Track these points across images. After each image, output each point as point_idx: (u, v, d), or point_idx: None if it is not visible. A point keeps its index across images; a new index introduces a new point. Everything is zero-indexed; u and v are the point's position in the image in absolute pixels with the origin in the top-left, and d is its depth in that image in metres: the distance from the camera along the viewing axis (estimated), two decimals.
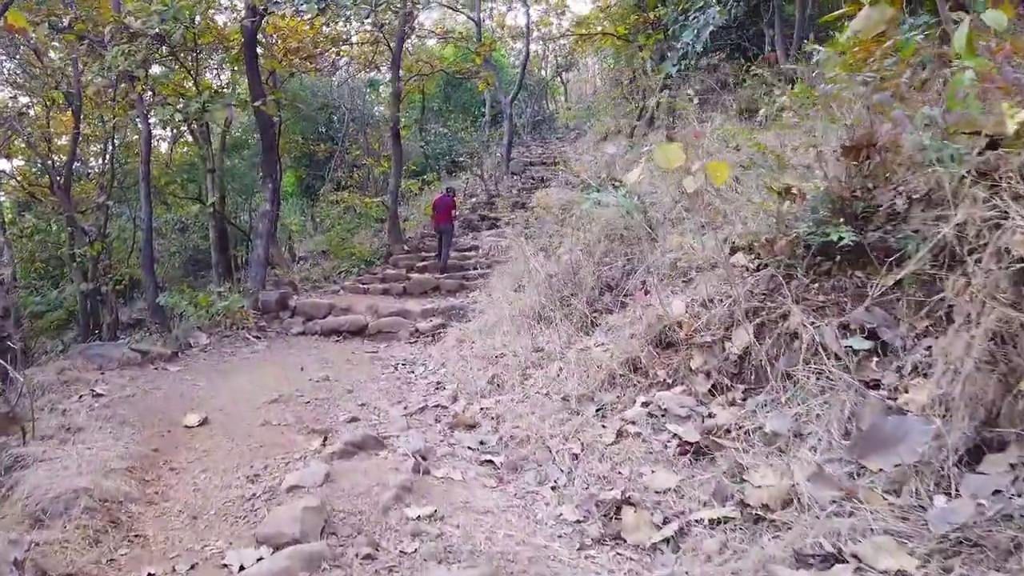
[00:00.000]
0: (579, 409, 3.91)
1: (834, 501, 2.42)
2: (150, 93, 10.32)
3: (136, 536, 2.84)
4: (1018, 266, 2.47)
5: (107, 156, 13.40)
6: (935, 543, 2.13)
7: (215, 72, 14.80)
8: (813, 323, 3.28)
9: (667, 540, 2.59)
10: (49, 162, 12.64)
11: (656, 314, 4.15)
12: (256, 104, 9.11)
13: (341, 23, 12.85)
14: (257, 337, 7.94)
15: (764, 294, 3.71)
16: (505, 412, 4.25)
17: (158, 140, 15.75)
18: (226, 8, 11.99)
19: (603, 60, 22.45)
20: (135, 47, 8.23)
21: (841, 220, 3.42)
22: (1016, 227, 2.50)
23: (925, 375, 2.78)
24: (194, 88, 10.42)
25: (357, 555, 2.58)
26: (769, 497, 2.55)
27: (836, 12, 4.53)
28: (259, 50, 10.56)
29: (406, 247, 13.04)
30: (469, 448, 3.89)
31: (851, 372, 3.00)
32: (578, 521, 2.88)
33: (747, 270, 3.99)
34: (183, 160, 17.02)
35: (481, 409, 4.49)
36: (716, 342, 3.82)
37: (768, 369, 3.39)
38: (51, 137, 13.48)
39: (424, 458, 3.62)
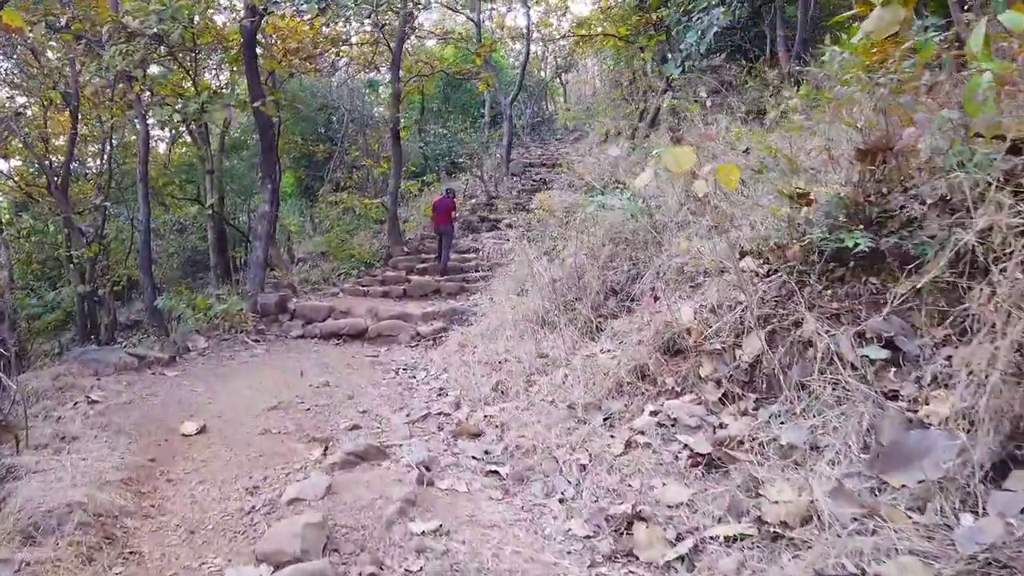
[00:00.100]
0: (586, 418, 3.82)
1: (855, 518, 2.33)
2: (148, 93, 10.23)
3: (131, 553, 2.74)
4: None
5: (105, 156, 13.31)
6: (963, 564, 2.04)
7: (214, 72, 14.72)
8: (828, 331, 3.20)
9: (681, 558, 2.50)
10: (46, 162, 12.54)
11: (664, 320, 4.07)
12: (255, 105, 9.03)
13: (341, 23, 12.77)
14: (256, 340, 7.85)
15: (776, 300, 3.62)
16: (510, 420, 4.16)
17: (156, 141, 15.67)
18: (225, 8, 11.90)
19: (603, 61, 22.38)
20: (133, 47, 8.14)
21: (856, 225, 3.34)
22: None
23: (945, 386, 2.70)
24: (193, 88, 10.32)
25: (360, 574, 2.49)
26: (787, 514, 2.46)
27: (847, 13, 4.46)
28: (258, 50, 10.47)
29: (406, 249, 12.95)
30: (473, 458, 3.80)
31: (868, 382, 2.92)
32: (588, 537, 2.79)
33: (756, 275, 3.91)
34: (181, 161, 16.92)
35: (485, 417, 4.41)
36: (726, 349, 3.74)
37: (781, 378, 3.31)
38: (48, 137, 13.39)
39: (428, 469, 3.54)
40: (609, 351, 4.42)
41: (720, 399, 3.57)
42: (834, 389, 3.00)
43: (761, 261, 4.01)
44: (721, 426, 3.34)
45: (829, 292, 3.44)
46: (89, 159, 15.54)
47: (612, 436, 3.55)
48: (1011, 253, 2.51)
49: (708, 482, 2.97)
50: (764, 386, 3.48)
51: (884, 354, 2.98)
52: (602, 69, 24.15)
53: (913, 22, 3.84)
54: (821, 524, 2.36)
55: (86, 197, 13.92)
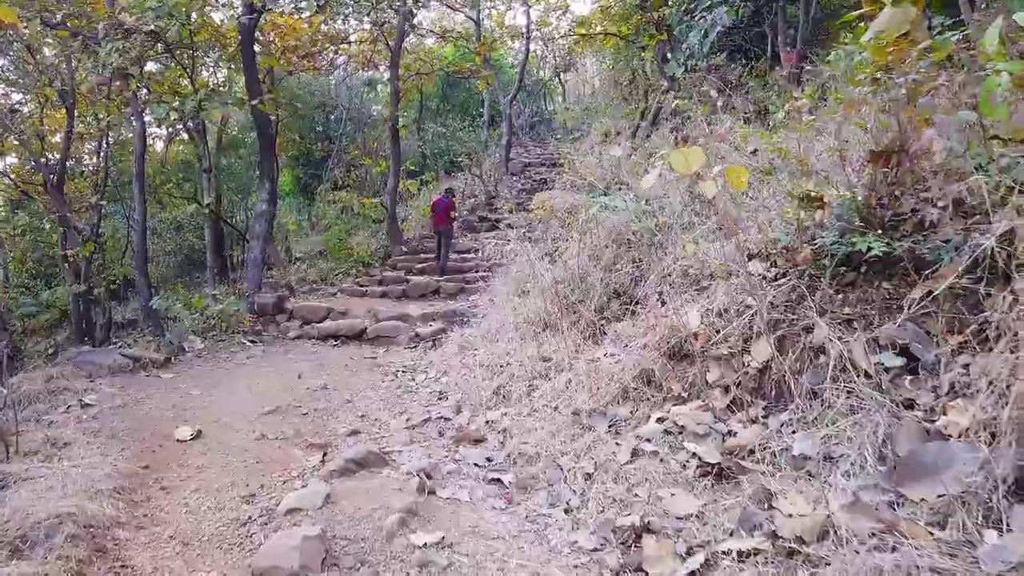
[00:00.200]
0: (590, 424, 3.73)
1: (874, 534, 2.25)
2: (145, 91, 10.11)
3: (123, 567, 2.64)
4: None
5: (101, 154, 13.16)
6: None
7: (211, 70, 14.57)
8: (840, 337, 3.12)
9: (693, 573, 2.41)
10: (43, 160, 12.40)
11: (670, 324, 3.99)
12: (253, 103, 8.93)
13: (340, 21, 12.66)
14: (253, 341, 7.76)
15: (785, 305, 3.54)
16: (512, 426, 4.08)
17: (153, 138, 15.55)
18: (223, 4, 11.77)
19: (602, 61, 22.28)
20: (129, 44, 8.02)
21: (869, 229, 3.25)
22: None
23: (964, 396, 2.62)
24: (190, 86, 10.21)
25: None
26: (803, 528, 2.37)
27: (855, 12, 4.38)
28: (256, 48, 10.37)
29: (405, 248, 12.86)
30: (476, 465, 3.71)
31: (883, 391, 2.84)
32: (595, 549, 2.71)
33: (764, 279, 3.83)
34: (179, 159, 16.78)
35: (487, 422, 4.32)
36: (734, 355, 3.66)
37: (791, 385, 3.23)
38: (45, 135, 13.23)
39: (429, 476, 3.45)
40: (613, 355, 4.34)
41: (728, 406, 3.50)
42: (847, 397, 2.92)
43: (768, 264, 3.93)
44: (730, 434, 3.26)
45: (840, 297, 3.36)
46: (85, 157, 15.39)
47: (618, 444, 3.46)
48: None
49: (718, 493, 2.88)
50: (773, 393, 3.40)
51: (899, 362, 2.90)
52: (601, 68, 24.06)
53: (922, 21, 3.76)
54: (838, 539, 2.28)
55: (83, 195, 13.76)
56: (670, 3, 11.53)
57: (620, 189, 6.77)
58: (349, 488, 3.27)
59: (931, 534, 2.20)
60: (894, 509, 2.36)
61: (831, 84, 5.49)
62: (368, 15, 11.36)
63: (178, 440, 4.19)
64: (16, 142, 12.71)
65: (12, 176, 14.46)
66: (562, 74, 26.06)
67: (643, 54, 13.81)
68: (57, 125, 13.46)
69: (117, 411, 4.78)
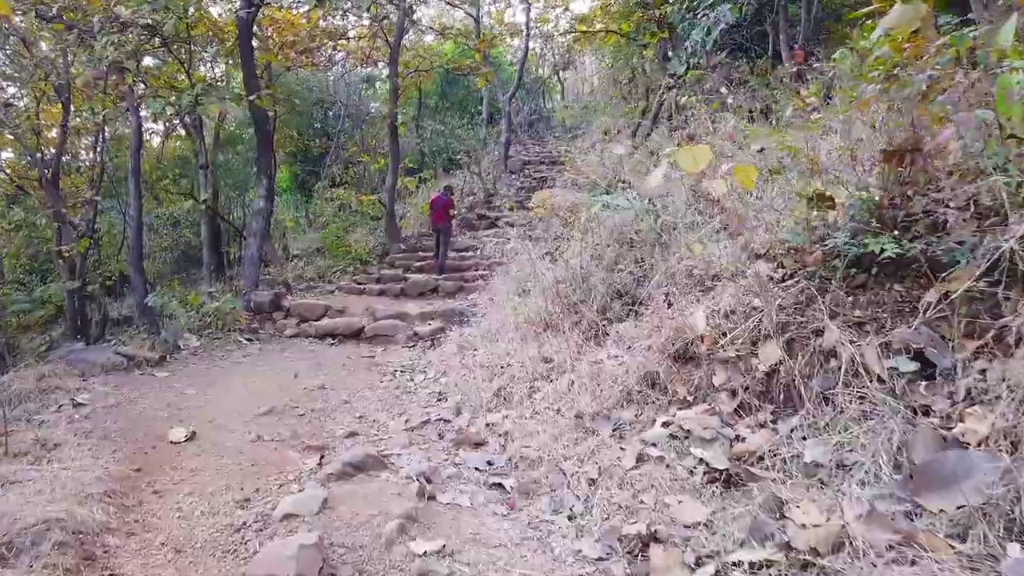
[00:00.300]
0: (594, 428, 3.65)
1: (891, 546, 2.17)
2: (141, 85, 9.99)
3: (112, 575, 2.56)
4: None
5: (97, 150, 13.04)
6: None
7: (209, 65, 14.43)
8: (852, 341, 3.04)
9: None
10: (38, 155, 12.26)
11: (675, 325, 3.90)
12: (251, 98, 8.83)
13: (339, 17, 12.54)
14: (249, 339, 7.66)
15: (795, 307, 3.46)
16: (513, 429, 4.00)
17: (150, 134, 15.40)
18: None
19: (601, 59, 22.18)
20: (125, 38, 7.91)
21: (882, 230, 3.17)
22: None
23: (982, 402, 2.54)
24: (187, 81, 10.09)
25: None
26: (817, 539, 2.29)
27: (864, 9, 4.30)
28: (254, 43, 10.25)
29: (403, 246, 12.76)
30: (476, 469, 3.63)
31: (897, 396, 2.76)
32: (600, 559, 2.63)
33: (771, 280, 3.75)
34: (175, 154, 16.64)
35: (487, 425, 4.24)
36: (741, 358, 3.57)
37: (801, 389, 3.15)
38: (40, 130, 13.09)
39: (429, 481, 3.37)
40: (616, 357, 4.25)
41: (735, 410, 3.41)
42: (860, 403, 2.84)
43: (775, 265, 3.85)
44: (738, 439, 3.18)
45: (851, 299, 3.28)
46: (81, 152, 15.25)
47: (622, 448, 3.38)
48: None
49: (727, 500, 2.80)
50: (782, 397, 3.32)
51: (913, 366, 2.82)
52: (600, 67, 23.97)
53: (932, 19, 3.69)
54: (854, 551, 2.20)
55: (79, 190, 13.62)
56: (671, 0, 11.46)
57: (622, 187, 6.68)
58: (347, 492, 3.18)
59: (951, 547, 2.12)
60: (911, 520, 2.28)
61: (836, 83, 5.42)
62: (367, 11, 11.24)
63: (172, 441, 4.09)
64: (11, 137, 12.57)
65: (7, 171, 14.32)
66: (561, 72, 25.99)
67: (643, 52, 13.74)
68: (53, 120, 13.31)
69: (110, 411, 4.69)
